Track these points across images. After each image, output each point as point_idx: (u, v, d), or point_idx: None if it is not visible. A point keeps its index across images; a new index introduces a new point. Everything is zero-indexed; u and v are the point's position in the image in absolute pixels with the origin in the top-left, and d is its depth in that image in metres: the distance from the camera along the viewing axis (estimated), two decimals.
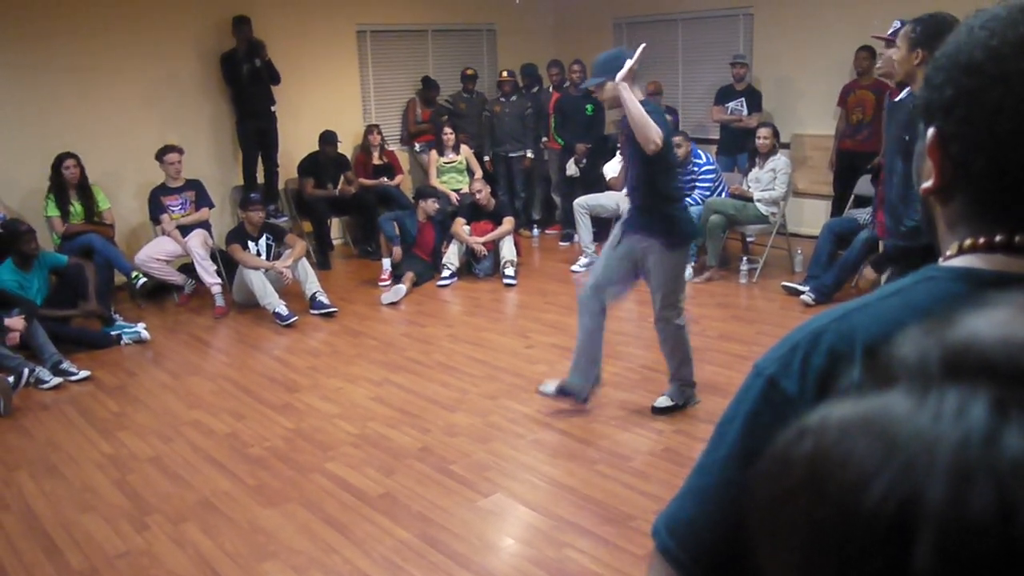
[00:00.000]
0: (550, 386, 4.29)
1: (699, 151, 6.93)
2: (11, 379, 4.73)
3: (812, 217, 7.61)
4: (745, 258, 6.74)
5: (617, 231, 4.13)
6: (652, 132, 3.67)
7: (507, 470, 3.75)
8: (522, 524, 3.32)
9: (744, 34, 8.18)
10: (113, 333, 5.79)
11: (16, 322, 5.12)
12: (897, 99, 3.72)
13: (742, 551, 0.78)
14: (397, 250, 6.97)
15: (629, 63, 3.70)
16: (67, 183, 6.38)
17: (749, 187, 6.68)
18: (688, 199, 6.76)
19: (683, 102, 8.66)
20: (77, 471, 3.95)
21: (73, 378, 5.11)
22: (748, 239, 6.91)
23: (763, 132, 6.63)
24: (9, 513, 3.58)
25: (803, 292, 5.95)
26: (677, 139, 6.83)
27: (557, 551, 3.09)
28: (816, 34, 7.57)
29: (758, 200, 6.57)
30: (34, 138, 6.67)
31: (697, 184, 6.81)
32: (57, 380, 5.04)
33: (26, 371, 4.90)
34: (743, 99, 7.68)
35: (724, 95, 7.79)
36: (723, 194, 6.83)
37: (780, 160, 6.62)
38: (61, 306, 5.75)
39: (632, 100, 3.67)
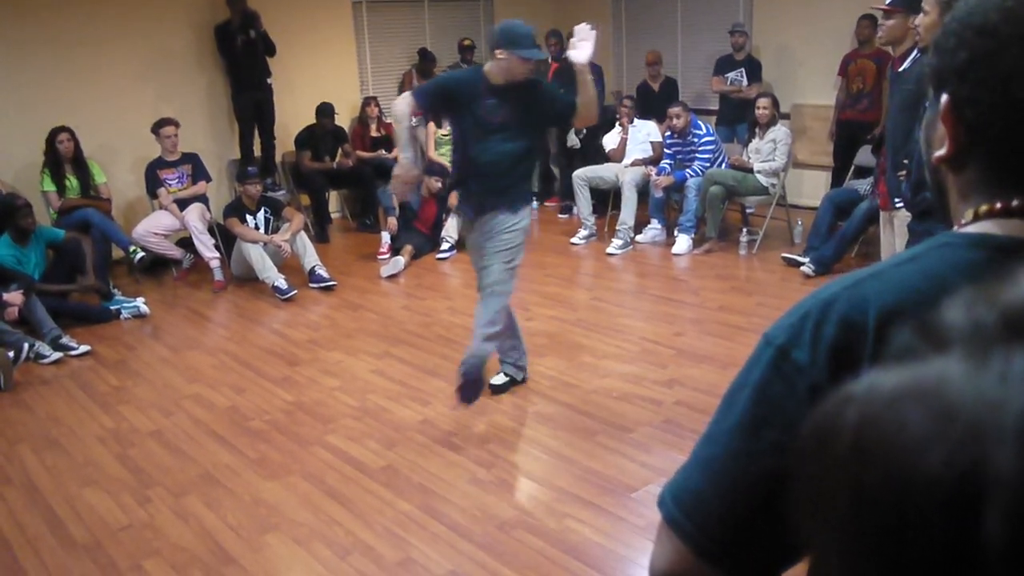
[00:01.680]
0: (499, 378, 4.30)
1: (699, 122, 6.89)
2: (11, 354, 4.73)
3: (812, 188, 7.58)
4: (745, 229, 6.72)
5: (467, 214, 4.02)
6: (596, 109, 3.97)
7: (508, 442, 3.76)
8: (523, 496, 3.34)
9: (744, 2, 8.10)
10: (112, 308, 5.78)
11: (15, 297, 5.11)
12: (901, 68, 3.69)
13: (750, 520, 0.78)
14: (392, 221, 6.95)
15: (588, 45, 3.76)
16: (62, 157, 6.34)
17: (749, 158, 6.64)
18: (688, 170, 6.73)
19: (682, 72, 8.59)
20: (79, 445, 3.96)
21: (73, 353, 5.10)
22: (748, 210, 6.89)
23: (763, 102, 6.58)
24: (11, 487, 3.59)
25: (803, 263, 5.94)
26: (676, 109, 6.80)
27: (558, 522, 3.11)
28: (816, 2, 7.49)
29: (758, 171, 6.54)
30: (28, 113, 6.62)
31: (697, 155, 6.78)
32: (57, 355, 5.04)
33: (26, 346, 4.89)
34: (743, 69, 7.61)
35: (723, 65, 7.72)
36: (723, 165, 6.80)
37: (780, 131, 6.58)
38: (59, 281, 5.73)
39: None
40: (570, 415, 3.99)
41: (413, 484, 3.42)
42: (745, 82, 7.60)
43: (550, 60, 8.38)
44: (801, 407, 0.73)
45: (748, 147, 6.75)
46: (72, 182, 6.42)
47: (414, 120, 8.56)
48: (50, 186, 6.35)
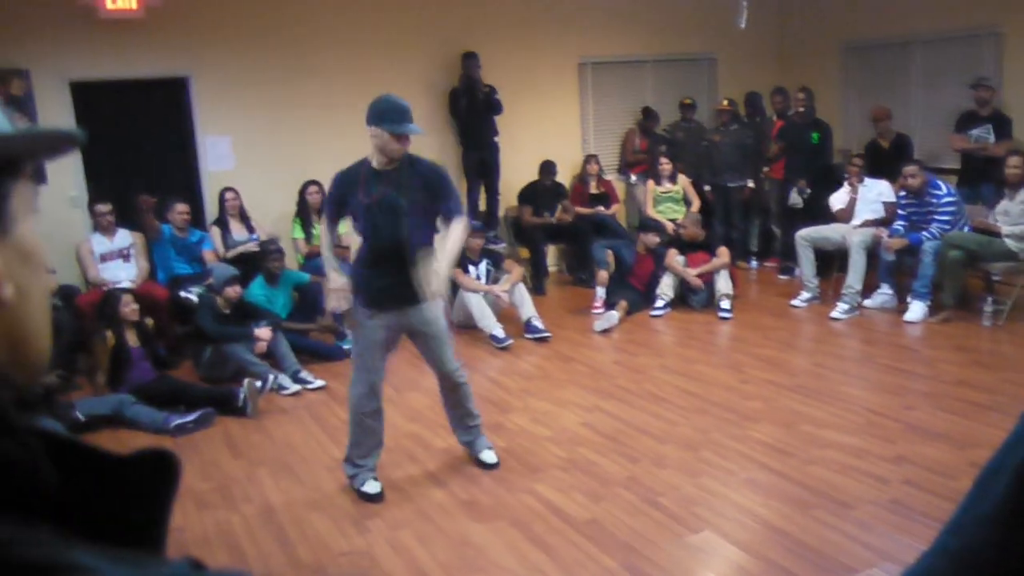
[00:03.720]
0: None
1: (938, 181, 6.45)
2: (258, 384, 5.22)
3: None
4: (989, 298, 6.16)
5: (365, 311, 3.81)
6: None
7: (717, 507, 3.65)
8: (731, 564, 3.22)
9: (991, 55, 7.55)
10: (344, 347, 6.23)
11: (264, 332, 5.65)
12: None
13: None
14: (603, 274, 7.02)
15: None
16: (311, 208, 6.98)
17: (995, 221, 6.12)
18: (925, 232, 6.30)
19: (918, 129, 8.11)
20: (309, 472, 4.28)
21: (310, 386, 5.54)
22: (993, 277, 6.33)
23: (1013, 161, 6.06)
24: (251, 505, 3.94)
25: None
26: (912, 168, 6.41)
27: None
28: None
29: (1006, 235, 6.01)
30: (285, 167, 7.36)
31: (935, 217, 6.33)
32: (296, 388, 5.49)
33: (271, 377, 5.39)
34: (990, 125, 7.07)
35: (966, 121, 7.21)
36: (964, 228, 6.31)
37: None
38: (301, 320, 6.27)
39: None
40: (784, 485, 3.81)
41: (618, 541, 3.40)
42: (992, 139, 7.05)
43: (775, 118, 8.21)
44: None
45: (996, 209, 6.22)
46: (319, 230, 7.03)
47: (634, 178, 8.68)
48: (299, 233, 7.01)
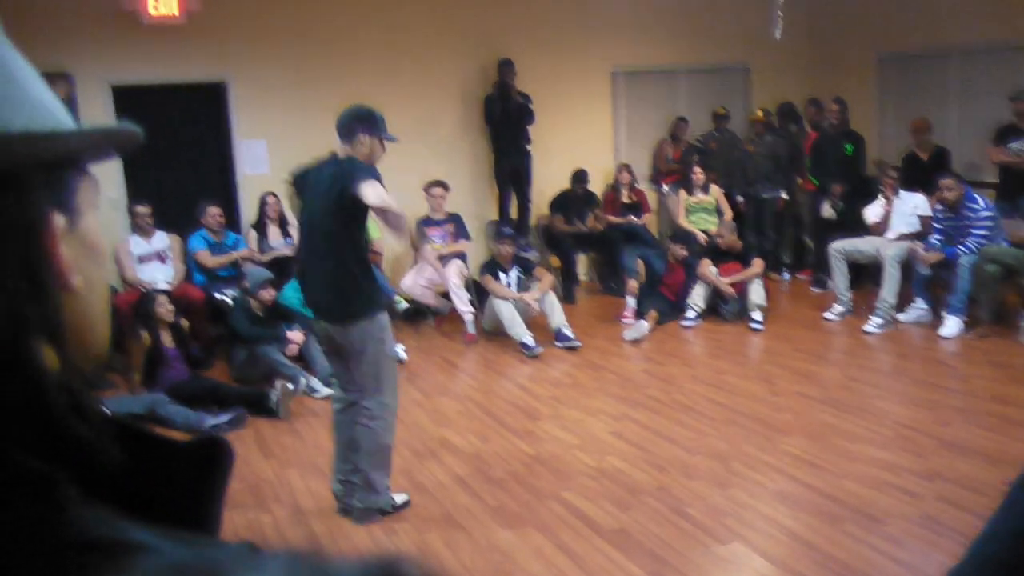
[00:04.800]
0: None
1: (974, 195, 6.37)
2: (289, 386, 5.27)
3: None
4: None
5: None
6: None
7: (746, 519, 3.63)
8: None
9: None
10: None
11: (297, 335, 5.71)
12: None
13: None
14: (633, 283, 7.01)
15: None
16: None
17: None
18: (961, 246, 6.23)
19: (955, 141, 8.01)
20: None
21: None
22: None
23: None
24: (281, 506, 3.98)
25: None
26: (949, 181, 6.34)
27: None
28: None
29: None
30: None
31: (971, 231, 6.25)
32: (327, 391, 5.52)
33: (302, 380, 5.44)
34: None
35: (1005, 134, 7.11)
36: (1002, 242, 6.22)
37: None
38: None
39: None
40: (814, 498, 3.78)
41: (645, 549, 3.39)
42: None
43: (808, 129, 8.16)
44: None
45: None
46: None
47: (666, 188, 8.66)
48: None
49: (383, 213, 3.41)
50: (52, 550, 0.42)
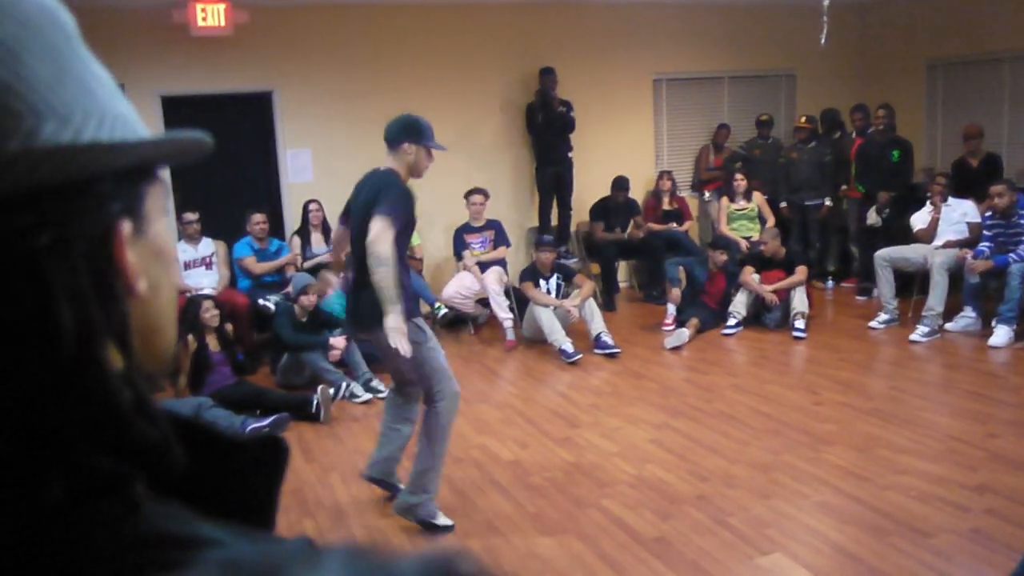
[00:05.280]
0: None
1: None
2: (331, 391, 5.33)
3: None
4: None
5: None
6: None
7: (788, 529, 3.59)
8: None
9: None
10: None
11: (339, 341, 5.77)
12: None
13: None
14: (675, 292, 6.97)
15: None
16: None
17: None
18: (1012, 255, 6.09)
19: (1006, 148, 7.85)
20: None
21: (380, 395, 5.62)
22: None
23: None
24: (323, 509, 4.02)
25: None
26: (1000, 188, 6.21)
27: None
28: None
29: None
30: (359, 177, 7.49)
31: (1023, 238, 6.12)
32: (368, 396, 5.59)
33: (344, 385, 5.50)
34: None
35: None
36: None
37: None
38: None
39: None
40: (859, 510, 3.72)
41: (686, 560, 3.36)
42: None
43: (855, 135, 8.05)
44: None
45: None
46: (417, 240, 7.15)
47: (707, 195, 8.61)
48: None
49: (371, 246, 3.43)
50: (126, 545, 0.44)
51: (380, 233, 3.42)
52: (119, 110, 0.51)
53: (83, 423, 0.45)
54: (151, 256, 0.53)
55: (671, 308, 7.00)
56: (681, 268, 7.20)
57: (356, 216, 3.66)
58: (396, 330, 3.44)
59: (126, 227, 0.49)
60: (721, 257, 7.06)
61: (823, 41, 5.66)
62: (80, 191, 0.47)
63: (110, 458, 0.46)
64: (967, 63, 8.26)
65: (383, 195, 3.50)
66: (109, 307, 0.48)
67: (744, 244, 7.69)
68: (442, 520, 3.76)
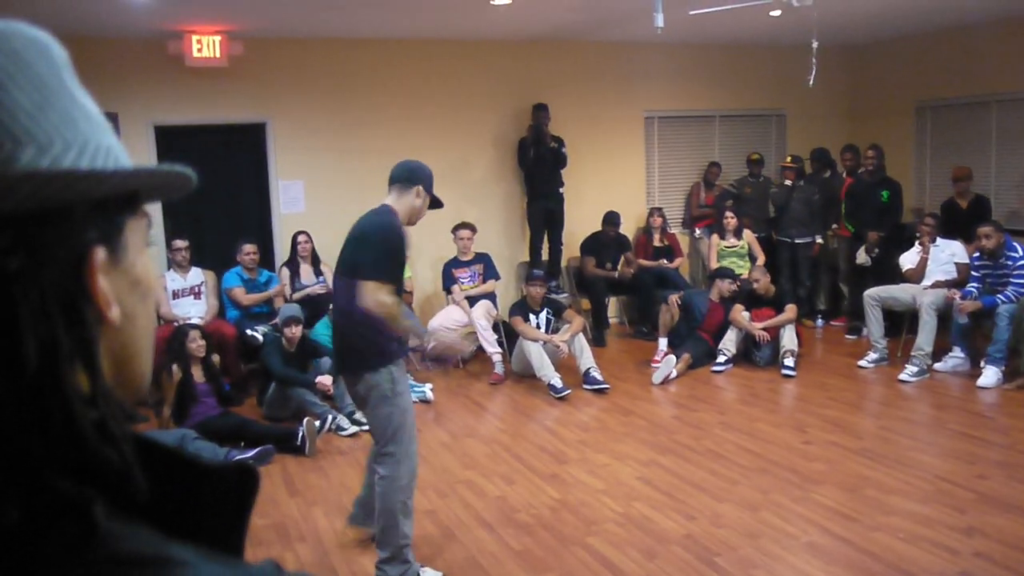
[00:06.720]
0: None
1: (1014, 243, 6.27)
2: (317, 423, 5.28)
3: None
4: None
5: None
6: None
7: (776, 571, 3.54)
8: None
9: None
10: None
11: (325, 379, 5.72)
12: None
13: None
14: (666, 317, 7.04)
15: None
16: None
17: None
18: (1000, 295, 6.12)
19: (994, 190, 7.92)
20: None
21: (366, 428, 5.55)
22: None
23: None
24: (304, 544, 3.96)
25: None
26: (987, 229, 6.25)
27: None
28: None
29: None
30: (352, 213, 7.35)
31: (1011, 279, 6.14)
32: (353, 429, 5.54)
33: (330, 418, 5.45)
34: None
35: None
36: None
37: None
38: None
39: None
40: (847, 551, 3.68)
41: None
42: None
43: (845, 175, 8.11)
44: None
45: None
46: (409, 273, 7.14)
47: (698, 232, 8.64)
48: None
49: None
50: (86, 565, 0.45)
51: (372, 295, 3.30)
52: (102, 142, 0.52)
53: (43, 444, 0.46)
54: (127, 285, 0.54)
55: (662, 343, 6.99)
56: (674, 297, 7.17)
57: (343, 264, 3.57)
58: (411, 329, 3.47)
59: (100, 255, 0.50)
60: (730, 286, 7.04)
61: (811, 82, 5.71)
62: (56, 217, 0.48)
63: (69, 480, 0.46)
64: (955, 105, 8.36)
65: (371, 249, 3.40)
66: (77, 331, 0.48)
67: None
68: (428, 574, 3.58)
